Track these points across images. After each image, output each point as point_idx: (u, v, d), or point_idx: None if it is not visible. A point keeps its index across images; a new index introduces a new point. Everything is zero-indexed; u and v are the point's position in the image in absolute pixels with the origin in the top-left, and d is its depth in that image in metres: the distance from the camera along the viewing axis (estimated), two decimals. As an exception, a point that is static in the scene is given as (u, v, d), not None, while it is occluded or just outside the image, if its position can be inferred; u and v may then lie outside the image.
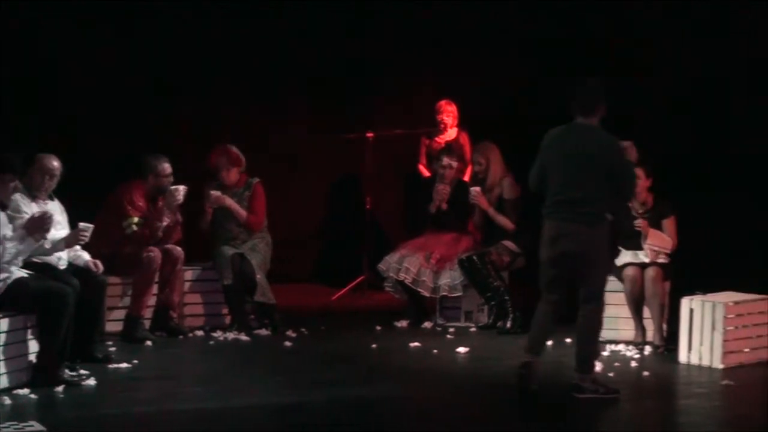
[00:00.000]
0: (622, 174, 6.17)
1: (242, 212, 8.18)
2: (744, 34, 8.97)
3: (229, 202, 8.16)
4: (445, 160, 8.51)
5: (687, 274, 7.68)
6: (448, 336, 8.04)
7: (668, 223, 7.72)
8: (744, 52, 8.98)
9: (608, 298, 7.55)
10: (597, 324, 6.24)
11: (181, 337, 7.88)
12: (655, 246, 7.59)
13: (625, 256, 7.68)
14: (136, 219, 7.74)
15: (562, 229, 6.12)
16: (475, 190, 8.28)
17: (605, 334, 7.66)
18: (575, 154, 6.12)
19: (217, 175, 8.20)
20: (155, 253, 7.73)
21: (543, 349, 6.36)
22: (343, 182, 10.59)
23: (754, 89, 8.93)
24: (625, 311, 7.65)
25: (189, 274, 8.22)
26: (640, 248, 7.51)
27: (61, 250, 6.73)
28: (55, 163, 6.73)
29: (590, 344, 6.18)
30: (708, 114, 9.10)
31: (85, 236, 6.62)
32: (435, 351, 7.46)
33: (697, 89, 9.10)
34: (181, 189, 7.76)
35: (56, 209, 6.83)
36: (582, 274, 6.15)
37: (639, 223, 7.54)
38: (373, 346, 7.63)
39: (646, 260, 7.61)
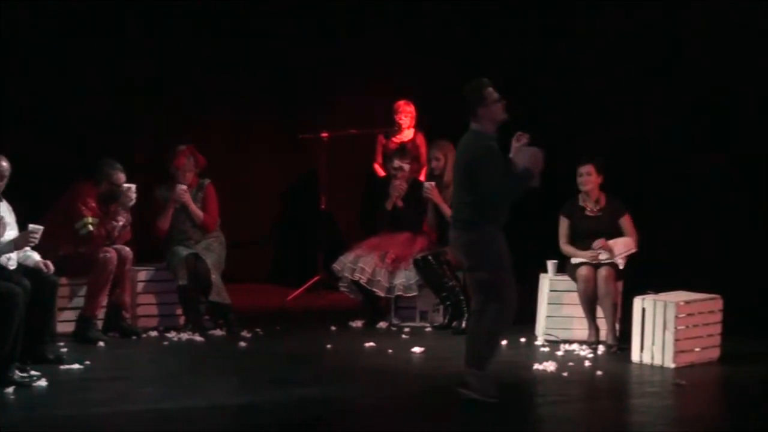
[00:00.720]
0: (478, 181, 5.91)
1: (199, 212, 8.17)
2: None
3: (189, 199, 8.13)
4: (396, 162, 8.51)
5: (640, 274, 7.69)
6: (404, 336, 8.04)
7: (625, 221, 7.70)
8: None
9: (562, 297, 7.83)
10: (494, 323, 6.02)
11: (134, 337, 7.84)
12: (624, 253, 7.57)
13: (580, 257, 7.69)
14: (90, 219, 7.70)
15: (451, 236, 6.17)
16: (430, 184, 8.25)
17: (559, 333, 7.78)
18: (456, 159, 6.16)
19: (178, 176, 8.18)
20: (111, 253, 7.70)
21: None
22: (298, 182, 10.55)
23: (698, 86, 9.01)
24: (579, 311, 7.67)
25: (143, 275, 8.18)
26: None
27: (11, 251, 6.65)
28: (4, 164, 6.65)
29: (484, 342, 6.05)
30: (661, 107, 9.20)
31: (35, 238, 6.57)
32: (390, 351, 7.47)
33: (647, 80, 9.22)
34: (134, 188, 7.76)
35: (4, 210, 6.77)
36: (473, 279, 6.14)
37: (597, 244, 7.52)
38: (328, 346, 7.63)
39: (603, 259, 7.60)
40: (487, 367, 6.05)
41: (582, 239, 7.73)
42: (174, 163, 8.15)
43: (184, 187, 8.11)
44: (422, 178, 8.81)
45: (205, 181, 8.30)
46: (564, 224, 7.84)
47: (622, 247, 7.59)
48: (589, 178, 7.70)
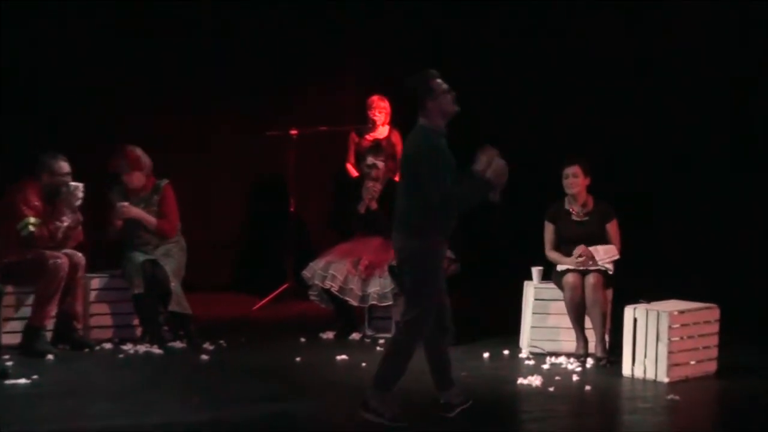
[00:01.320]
0: (423, 184, 5.73)
1: (152, 220, 8.11)
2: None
3: (136, 212, 8.07)
4: (370, 159, 8.51)
5: (631, 281, 7.73)
6: (378, 348, 8.01)
7: (612, 227, 7.74)
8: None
9: (548, 307, 7.85)
10: (403, 346, 5.90)
11: (86, 350, 7.79)
12: (608, 259, 7.59)
13: (565, 263, 7.72)
14: (32, 219, 7.64)
15: (393, 240, 6.00)
16: None
17: (545, 345, 7.80)
18: (403, 157, 6.03)
19: (120, 179, 8.13)
20: (62, 259, 7.64)
21: (448, 382, 6.14)
22: (265, 183, 10.56)
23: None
24: (566, 321, 7.68)
25: (96, 283, 8.13)
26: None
27: None
28: None
29: (391, 365, 5.93)
30: (651, 103, 9.34)
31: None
32: (364, 364, 7.44)
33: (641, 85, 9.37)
34: (81, 186, 7.71)
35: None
36: (403, 285, 6.02)
37: (577, 252, 7.55)
38: (297, 359, 7.61)
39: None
40: (392, 387, 5.94)
41: (568, 245, 7.74)
42: (109, 166, 8.09)
43: (125, 204, 8.04)
44: (398, 178, 8.76)
45: (162, 183, 8.23)
46: (549, 229, 7.86)
47: (603, 254, 7.61)
48: (575, 180, 7.71)
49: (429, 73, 5.96)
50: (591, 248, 7.60)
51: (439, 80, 5.95)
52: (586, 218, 7.76)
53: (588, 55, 9.60)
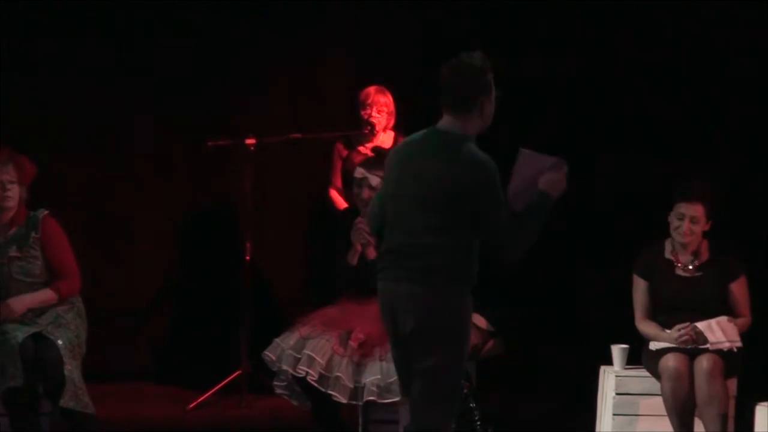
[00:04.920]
0: (486, 213, 6.14)
1: (50, 296, 8.04)
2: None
3: (28, 303, 8.02)
4: (359, 171, 8.42)
5: (761, 367, 8.06)
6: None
7: (737, 288, 7.83)
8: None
9: (636, 405, 7.90)
10: None
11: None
12: (726, 342, 7.65)
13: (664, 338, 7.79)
14: None
15: (392, 294, 6.30)
16: None
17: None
18: (413, 177, 6.25)
19: None
20: None
21: None
22: (207, 217, 10.58)
23: None
24: (665, 425, 7.68)
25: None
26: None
27: None
28: None
29: None
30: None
31: None
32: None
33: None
34: None
35: None
36: (419, 362, 6.23)
37: (681, 334, 7.63)
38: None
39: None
40: None
41: (670, 312, 7.84)
42: None
43: (6, 305, 7.99)
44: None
45: (40, 214, 8.14)
46: (640, 288, 7.94)
47: (719, 336, 7.70)
48: (694, 227, 7.75)
49: (485, 61, 6.21)
50: (702, 324, 7.67)
51: (492, 74, 6.28)
52: (699, 273, 7.82)
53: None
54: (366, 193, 8.39)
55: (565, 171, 6.22)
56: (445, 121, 6.25)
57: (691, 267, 7.82)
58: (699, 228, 7.75)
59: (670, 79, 9.97)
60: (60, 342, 7.83)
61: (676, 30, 10.08)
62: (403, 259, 6.20)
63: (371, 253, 8.36)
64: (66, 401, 7.74)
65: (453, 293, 6.17)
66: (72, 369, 7.81)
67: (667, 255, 7.85)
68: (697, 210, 7.71)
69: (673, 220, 7.76)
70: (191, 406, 9.38)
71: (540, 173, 6.21)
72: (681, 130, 9.85)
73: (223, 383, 9.52)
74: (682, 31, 10.03)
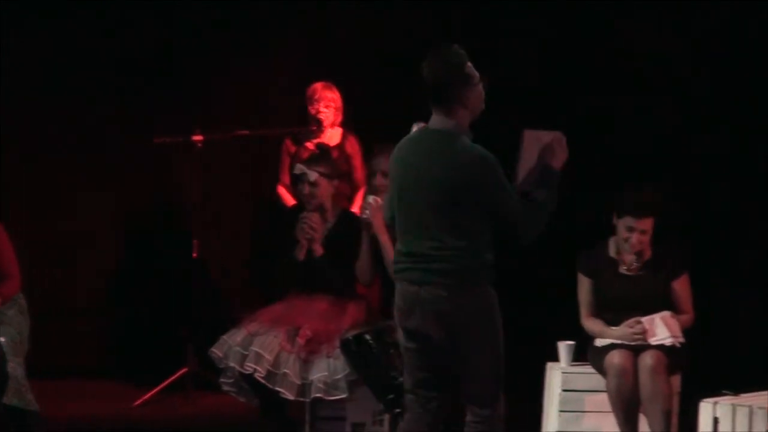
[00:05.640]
0: (496, 205, 6.21)
1: None
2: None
3: None
4: (299, 168, 8.47)
5: (708, 362, 8.02)
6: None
7: (680, 285, 7.86)
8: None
9: (582, 401, 7.89)
10: None
11: None
12: (663, 340, 7.70)
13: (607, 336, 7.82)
14: None
15: (414, 296, 6.30)
16: (374, 199, 8.18)
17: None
18: (414, 182, 6.29)
19: None
20: None
21: None
22: (152, 215, 10.60)
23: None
24: (609, 422, 7.72)
25: None
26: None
27: None
28: None
29: None
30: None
31: None
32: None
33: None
34: None
35: None
36: (456, 365, 6.27)
37: (636, 330, 7.68)
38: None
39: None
40: None
41: (614, 310, 7.85)
42: None
43: None
44: (356, 208, 8.84)
45: None
46: (585, 286, 7.95)
47: (663, 331, 7.74)
48: (643, 237, 7.76)
49: (460, 52, 6.23)
50: (646, 319, 7.71)
51: (470, 63, 6.25)
52: (642, 272, 7.83)
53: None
54: (306, 188, 8.42)
55: (564, 142, 6.31)
56: (435, 119, 6.25)
57: (634, 266, 7.83)
58: (647, 237, 7.78)
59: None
60: (2, 339, 7.80)
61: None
62: (423, 263, 6.23)
63: (318, 250, 8.38)
64: (9, 398, 7.71)
65: (478, 292, 6.23)
66: (15, 366, 7.78)
67: (611, 254, 7.86)
68: (646, 224, 7.74)
69: (622, 231, 7.77)
70: (137, 403, 9.40)
71: (542, 149, 6.33)
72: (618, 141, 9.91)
73: (170, 380, 9.53)
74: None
